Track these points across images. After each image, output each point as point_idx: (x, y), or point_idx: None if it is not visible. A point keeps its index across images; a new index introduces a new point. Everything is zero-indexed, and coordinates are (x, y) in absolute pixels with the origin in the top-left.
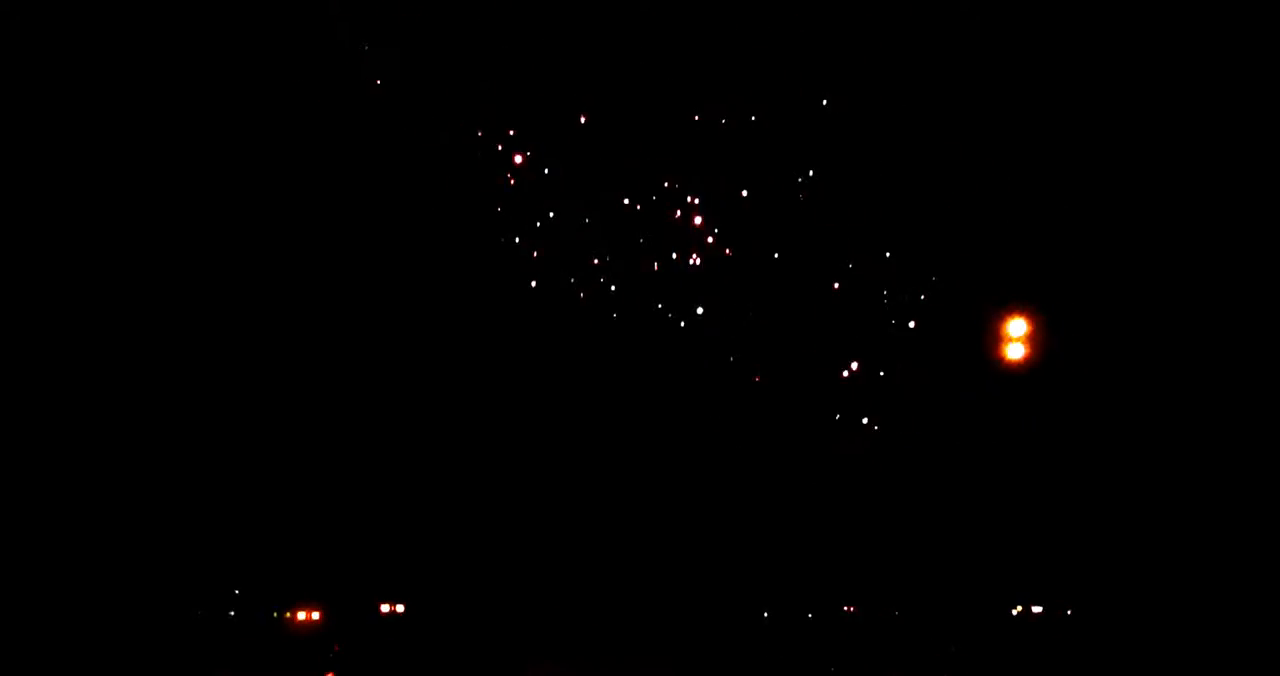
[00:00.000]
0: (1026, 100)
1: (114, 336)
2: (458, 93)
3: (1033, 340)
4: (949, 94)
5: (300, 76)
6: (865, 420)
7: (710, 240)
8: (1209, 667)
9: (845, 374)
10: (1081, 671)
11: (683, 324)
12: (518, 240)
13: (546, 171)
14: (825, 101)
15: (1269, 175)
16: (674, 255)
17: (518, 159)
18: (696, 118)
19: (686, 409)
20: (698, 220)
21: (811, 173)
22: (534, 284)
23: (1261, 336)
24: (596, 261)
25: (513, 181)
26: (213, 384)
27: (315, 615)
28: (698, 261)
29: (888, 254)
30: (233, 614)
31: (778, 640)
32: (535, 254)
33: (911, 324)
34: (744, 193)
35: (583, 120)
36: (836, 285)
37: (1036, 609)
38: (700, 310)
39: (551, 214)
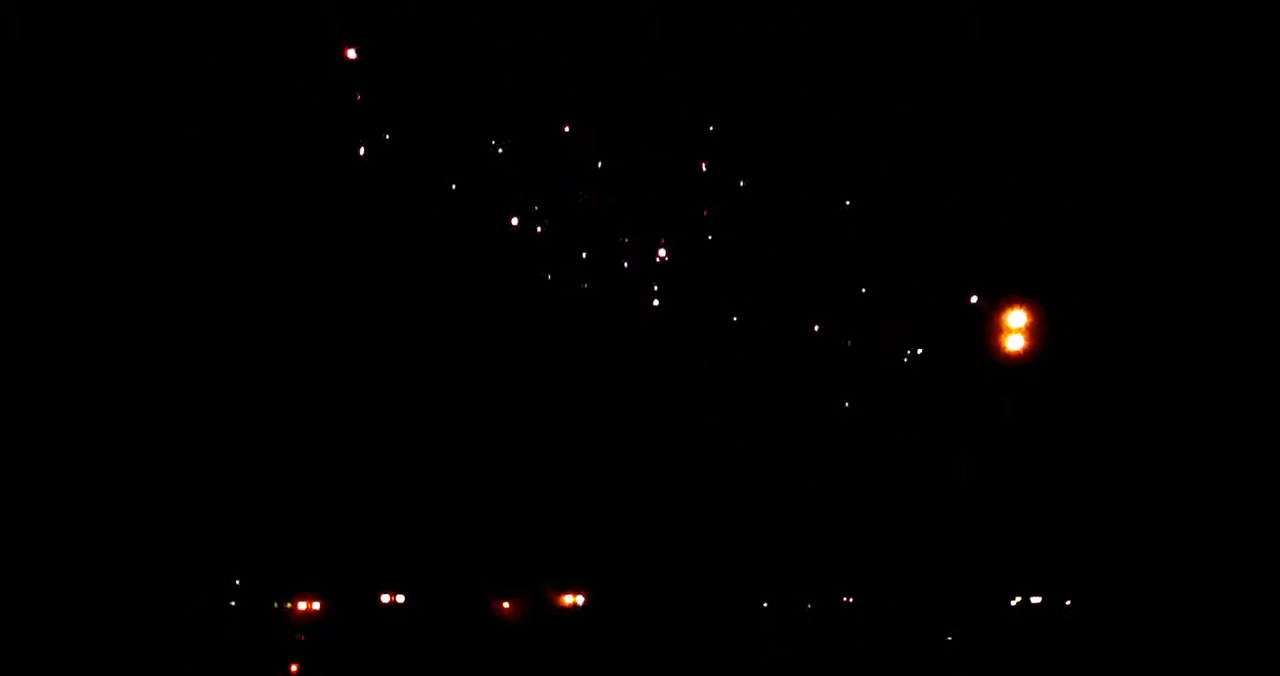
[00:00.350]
0: (1026, 91)
1: (113, 334)
2: (450, 93)
3: (1033, 331)
4: (947, 85)
5: (293, 76)
6: (862, 410)
7: (709, 234)
8: (1210, 659)
9: (842, 365)
10: (1081, 662)
11: (682, 317)
12: (517, 236)
13: (542, 172)
14: (824, 96)
15: (1270, 168)
16: (673, 253)
17: (511, 159)
18: (693, 114)
19: (685, 402)
20: (697, 215)
21: (809, 166)
22: (530, 279)
23: (1265, 329)
24: (598, 255)
25: (507, 181)
26: (211, 377)
27: (315, 605)
28: (696, 255)
29: (884, 244)
30: (233, 604)
31: (776, 630)
32: (536, 251)
33: (909, 314)
34: (741, 186)
35: (578, 120)
36: (832, 276)
37: (1035, 599)
38: (698, 301)
39: (548, 213)
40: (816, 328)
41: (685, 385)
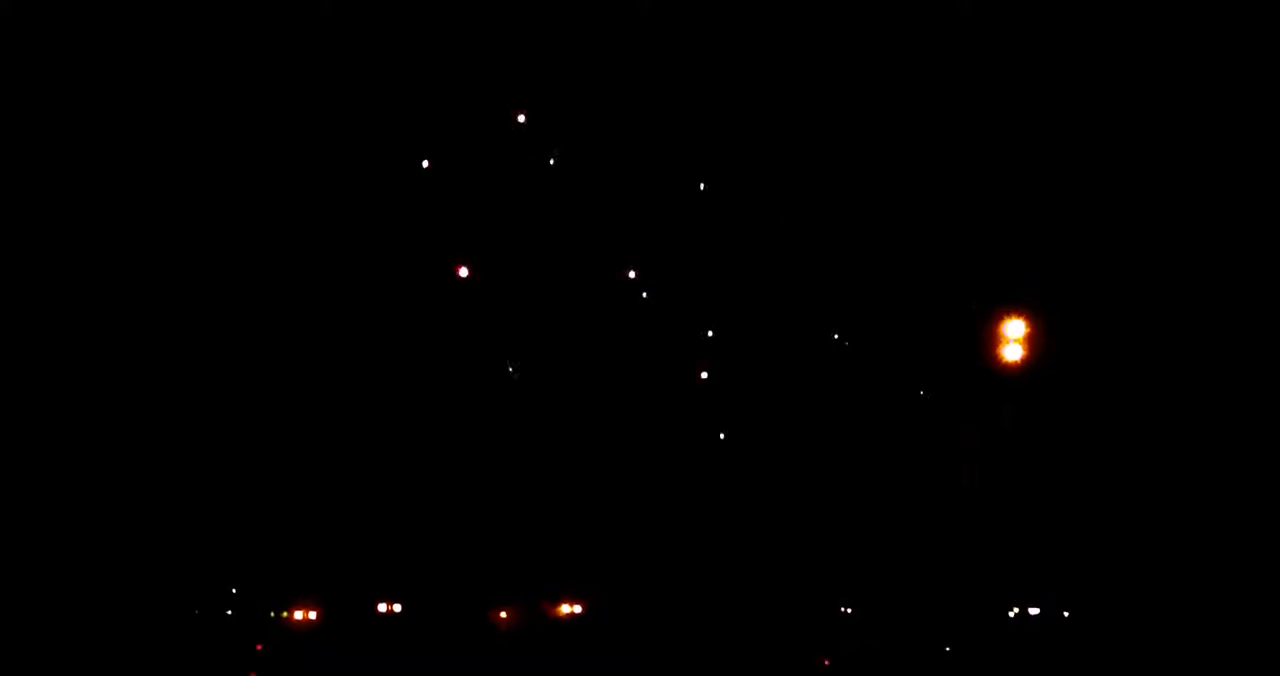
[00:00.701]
0: (1025, 99)
1: (112, 336)
2: (447, 90)
3: (1030, 341)
4: (944, 90)
5: (291, 75)
6: (860, 420)
7: (714, 245)
8: (1209, 669)
9: (841, 373)
10: (1079, 673)
11: (682, 327)
12: (517, 239)
13: (548, 180)
14: (822, 98)
15: (1269, 175)
16: (675, 262)
17: (510, 160)
18: (694, 111)
19: (685, 408)
20: (700, 224)
21: (807, 170)
22: (530, 284)
23: (1262, 339)
24: (596, 265)
25: (505, 180)
26: (211, 388)
27: (312, 614)
28: (697, 265)
29: (883, 253)
30: (229, 612)
31: (775, 640)
32: (533, 253)
33: (907, 324)
34: (741, 191)
35: (581, 126)
36: (831, 284)
37: (1034, 610)
38: (698, 310)
39: (557, 221)
40: (817, 338)
41: (685, 395)
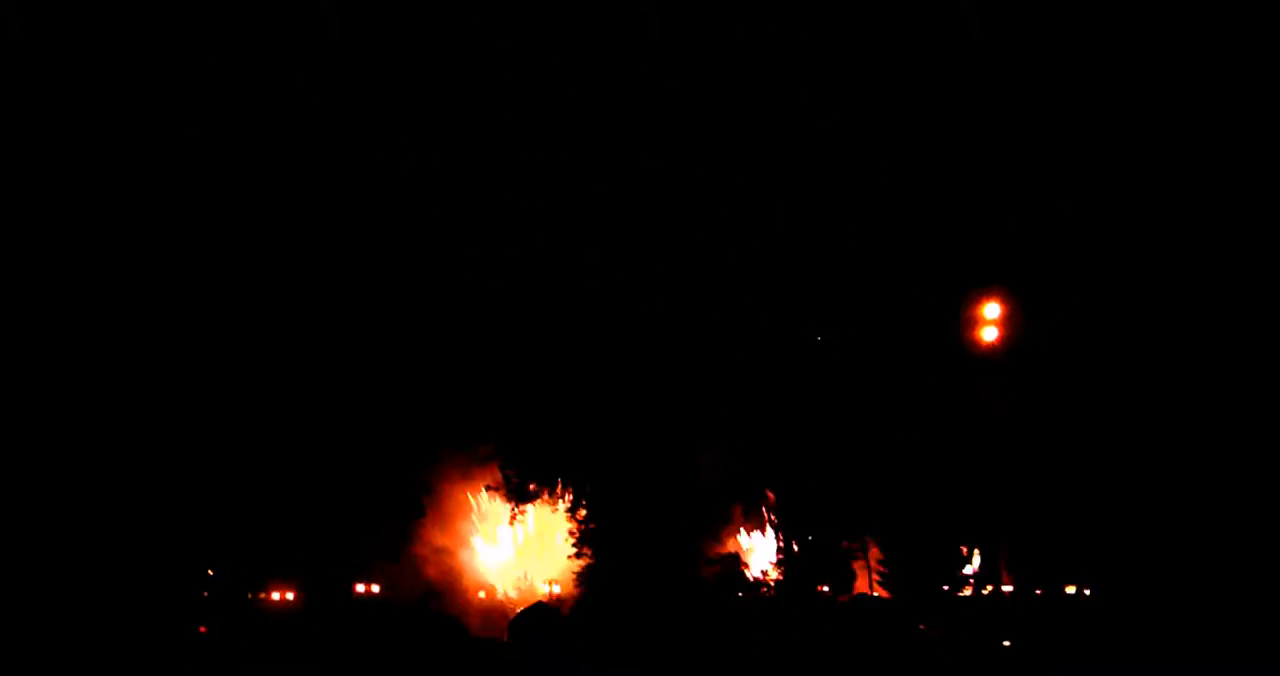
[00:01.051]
0: (1006, 91)
1: (99, 335)
2: (447, 90)
3: (1007, 323)
4: (929, 84)
5: (291, 74)
6: (843, 403)
7: (700, 240)
8: (1196, 650)
9: (823, 357)
10: (1055, 650)
11: (671, 316)
12: (513, 242)
13: (535, 173)
14: (814, 93)
15: (1246, 168)
16: (664, 260)
17: (512, 162)
18: (694, 108)
19: (676, 396)
20: (689, 221)
21: (797, 162)
22: (522, 285)
23: (1244, 325)
24: (595, 258)
25: (506, 184)
26: (194, 379)
27: (290, 595)
28: (687, 263)
29: (866, 238)
30: (207, 594)
31: (760, 625)
32: (530, 256)
33: (887, 307)
34: (733, 182)
35: (578, 126)
36: (815, 270)
37: (1007, 588)
38: (688, 301)
39: (564, 225)
40: (795, 324)
41: (670, 384)
